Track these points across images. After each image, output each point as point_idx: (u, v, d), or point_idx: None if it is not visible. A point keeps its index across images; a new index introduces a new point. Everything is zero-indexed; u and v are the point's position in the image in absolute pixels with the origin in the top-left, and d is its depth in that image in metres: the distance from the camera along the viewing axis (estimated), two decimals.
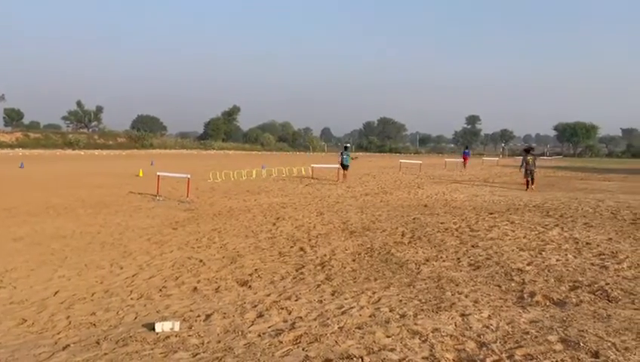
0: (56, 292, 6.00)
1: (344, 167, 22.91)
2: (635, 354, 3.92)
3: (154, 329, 4.63)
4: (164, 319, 4.92)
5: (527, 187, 19.39)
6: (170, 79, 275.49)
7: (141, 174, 23.92)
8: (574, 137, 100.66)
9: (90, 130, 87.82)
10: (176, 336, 4.49)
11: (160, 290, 6.08)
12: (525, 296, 5.65)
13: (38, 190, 16.91)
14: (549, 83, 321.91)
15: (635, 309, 5.11)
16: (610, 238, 9.08)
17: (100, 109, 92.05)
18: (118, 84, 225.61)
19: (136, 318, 5.10)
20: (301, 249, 8.33)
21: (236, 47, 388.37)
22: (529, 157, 19.52)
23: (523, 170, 19.68)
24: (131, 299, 5.78)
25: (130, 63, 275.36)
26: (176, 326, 4.68)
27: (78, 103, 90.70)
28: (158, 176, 16.32)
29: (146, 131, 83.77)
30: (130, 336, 4.51)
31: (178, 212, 12.46)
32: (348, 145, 27.62)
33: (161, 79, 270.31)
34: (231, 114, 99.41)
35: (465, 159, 38.69)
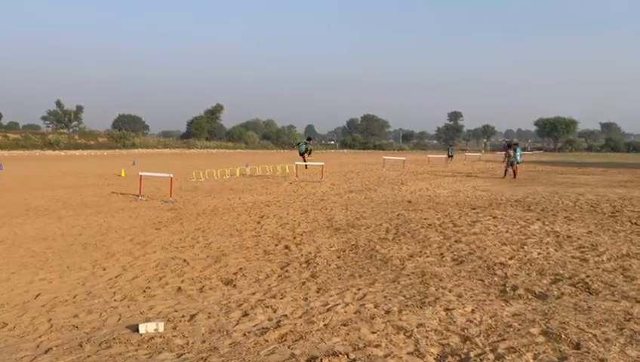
0: (37, 295, 5.90)
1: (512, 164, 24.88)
2: (615, 345, 4.00)
3: (138, 330, 4.59)
4: (148, 320, 4.88)
5: (505, 175, 23.10)
6: (152, 78, 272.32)
7: (123, 174, 23.66)
8: (554, 132, 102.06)
9: (71, 130, 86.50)
10: (160, 337, 4.45)
11: (144, 291, 6.03)
12: (508, 289, 5.72)
13: (18, 191, 16.63)
14: (529, 79, 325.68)
15: (614, 301, 5.21)
16: (590, 231, 9.24)
17: (80, 109, 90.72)
18: (98, 84, 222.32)
19: (119, 320, 5.05)
20: (286, 247, 8.32)
21: (218, 45, 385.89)
22: (510, 151, 23.19)
23: (506, 161, 23.30)
24: (114, 300, 5.71)
25: (110, 62, 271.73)
26: (161, 326, 4.65)
27: (58, 103, 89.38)
28: (141, 175, 16.14)
29: (127, 130, 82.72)
30: (114, 338, 4.47)
31: (161, 212, 12.36)
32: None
33: (143, 78, 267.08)
34: (214, 112, 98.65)
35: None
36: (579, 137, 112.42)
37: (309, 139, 26.24)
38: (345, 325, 4.61)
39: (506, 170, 23.31)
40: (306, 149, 23.78)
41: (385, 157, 38.47)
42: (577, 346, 3.99)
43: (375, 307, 5.14)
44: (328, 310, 5.09)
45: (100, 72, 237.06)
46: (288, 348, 4.12)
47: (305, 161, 23.64)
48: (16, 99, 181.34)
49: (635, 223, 10.04)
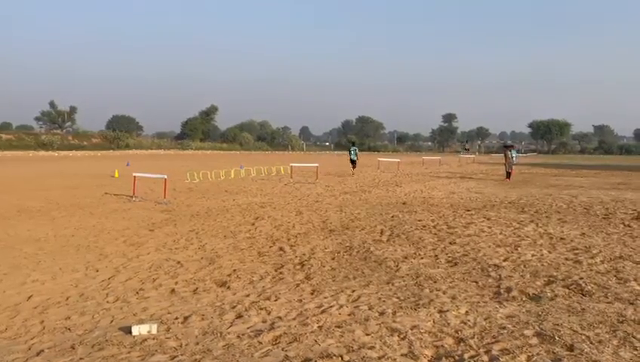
0: (29, 297, 5.86)
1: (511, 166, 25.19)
2: (608, 347, 4.01)
3: (131, 332, 4.56)
4: (141, 322, 4.85)
5: (508, 177, 22.85)
6: (147, 78, 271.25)
7: (117, 175, 23.56)
8: (548, 134, 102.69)
9: (64, 130, 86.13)
10: (153, 339, 4.43)
11: (137, 293, 6.00)
12: (502, 291, 5.73)
13: (10, 192, 16.52)
14: (524, 81, 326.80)
15: (608, 303, 5.23)
16: (584, 233, 9.28)
17: (73, 110, 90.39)
18: (92, 84, 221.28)
19: (112, 322, 5.02)
20: (280, 248, 8.30)
21: (213, 46, 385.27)
22: (508, 152, 23.12)
23: (507, 163, 23.10)
24: (107, 302, 5.68)
25: (104, 62, 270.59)
26: (154, 328, 4.62)
27: (51, 104, 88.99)
28: (135, 176, 16.08)
29: (121, 131, 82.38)
30: (107, 340, 4.44)
31: (155, 213, 12.31)
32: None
33: (137, 78, 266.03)
34: (208, 113, 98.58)
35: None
36: (572, 140, 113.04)
37: (353, 143, 29.31)
38: (339, 327, 4.60)
39: (508, 172, 23.05)
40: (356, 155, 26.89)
41: (379, 158, 38.51)
42: (571, 348, 4.00)
43: (369, 309, 5.14)
44: (322, 312, 5.08)
45: (94, 72, 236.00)
46: (282, 350, 4.10)
47: (354, 166, 26.68)
48: (9, 100, 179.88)
49: (628, 225, 10.09)
